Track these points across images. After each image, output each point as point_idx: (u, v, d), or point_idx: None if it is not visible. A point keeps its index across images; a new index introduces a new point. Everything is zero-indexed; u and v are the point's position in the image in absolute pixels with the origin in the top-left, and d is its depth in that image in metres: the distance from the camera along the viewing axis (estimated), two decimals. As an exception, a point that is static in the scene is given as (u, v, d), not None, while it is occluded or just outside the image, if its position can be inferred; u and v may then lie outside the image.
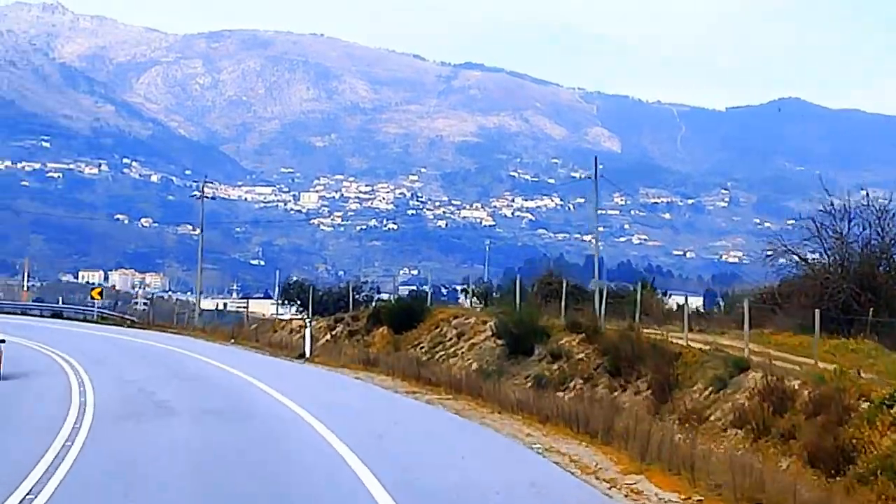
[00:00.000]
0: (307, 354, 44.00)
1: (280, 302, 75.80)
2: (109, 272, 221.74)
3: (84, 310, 61.41)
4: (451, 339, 42.71)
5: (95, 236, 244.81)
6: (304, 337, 46.34)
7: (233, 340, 54.30)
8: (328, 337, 50.87)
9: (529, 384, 32.60)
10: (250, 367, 36.00)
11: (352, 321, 52.22)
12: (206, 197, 71.40)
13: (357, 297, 63.42)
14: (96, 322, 56.07)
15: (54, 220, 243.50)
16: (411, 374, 34.02)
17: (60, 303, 71.57)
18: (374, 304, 59.59)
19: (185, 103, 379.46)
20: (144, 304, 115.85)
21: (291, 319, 58.90)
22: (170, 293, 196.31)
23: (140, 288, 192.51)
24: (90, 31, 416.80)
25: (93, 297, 67.84)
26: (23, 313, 59.14)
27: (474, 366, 37.34)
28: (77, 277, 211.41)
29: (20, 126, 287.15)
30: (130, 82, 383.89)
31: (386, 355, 41.17)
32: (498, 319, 39.48)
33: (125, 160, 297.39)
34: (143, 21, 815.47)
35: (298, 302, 68.91)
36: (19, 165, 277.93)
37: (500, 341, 38.54)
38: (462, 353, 40.25)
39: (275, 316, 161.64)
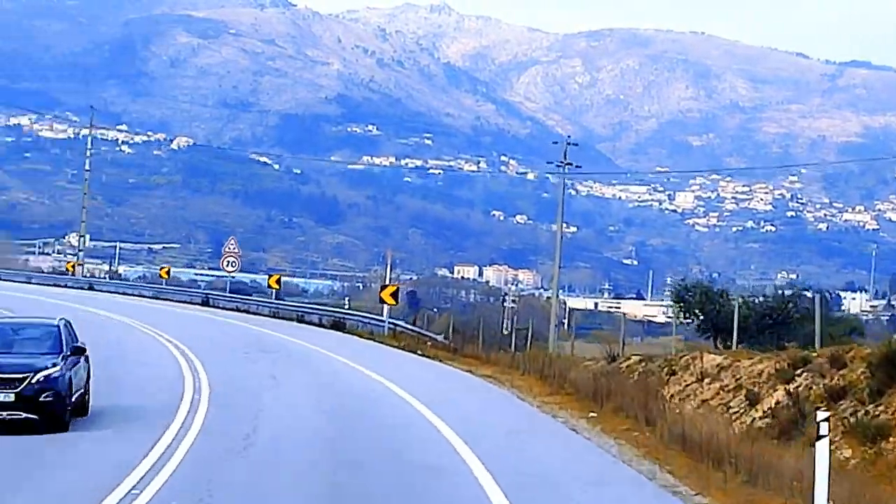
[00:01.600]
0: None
1: (674, 310, 51.95)
2: (483, 268, 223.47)
3: (371, 321, 45.73)
4: None
5: (471, 232, 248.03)
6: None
7: (592, 414, 24.41)
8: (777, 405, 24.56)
9: None
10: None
11: (831, 370, 23.91)
12: (570, 189, 67.19)
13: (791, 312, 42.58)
14: (368, 338, 42.07)
15: (432, 216, 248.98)
16: None
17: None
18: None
19: (563, 102, 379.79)
20: (513, 303, 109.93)
21: (701, 355, 31.72)
22: (540, 290, 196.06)
23: (513, 284, 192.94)
24: (474, 32, 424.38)
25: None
26: (299, 319, 49.60)
27: None
28: (452, 272, 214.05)
29: (405, 124, 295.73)
30: (511, 81, 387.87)
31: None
32: None
33: (503, 158, 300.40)
34: (525, 21, 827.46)
35: (700, 317, 45.91)
36: (403, 162, 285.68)
37: None
38: None
39: (647, 318, 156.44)
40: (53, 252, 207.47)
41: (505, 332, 77.70)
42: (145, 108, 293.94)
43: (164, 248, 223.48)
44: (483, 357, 33.83)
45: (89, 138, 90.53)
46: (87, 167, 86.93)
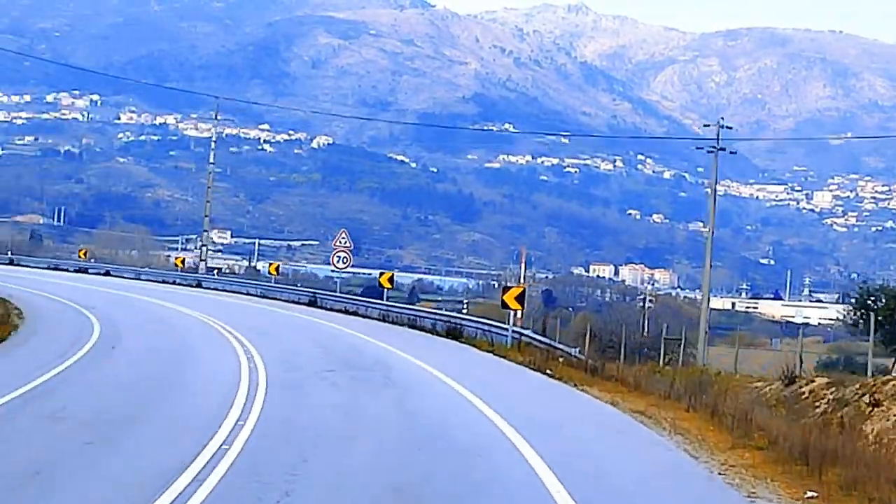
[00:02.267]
0: None
1: (850, 315, 47.93)
2: (619, 266, 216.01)
3: (492, 328, 37.53)
4: None
5: (607, 230, 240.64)
6: None
7: (811, 495, 14.21)
8: None
9: None
10: None
11: None
12: (716, 190, 58.55)
13: None
14: (488, 350, 33.98)
15: (568, 214, 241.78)
16: None
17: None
18: None
19: (700, 101, 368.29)
20: (650, 303, 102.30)
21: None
22: (677, 290, 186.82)
23: (649, 283, 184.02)
24: (611, 31, 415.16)
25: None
26: (410, 325, 42.51)
27: None
28: (588, 271, 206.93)
29: (542, 122, 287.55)
30: (647, 80, 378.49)
31: None
32: None
33: (639, 157, 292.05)
34: (661, 20, 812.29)
35: (887, 326, 38.48)
36: (539, 160, 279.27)
37: None
38: None
39: (784, 319, 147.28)
40: (195, 248, 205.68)
41: (645, 336, 70.35)
42: (287, 107, 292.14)
43: (302, 244, 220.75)
44: (629, 382, 25.56)
45: (213, 136, 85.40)
46: (211, 159, 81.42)
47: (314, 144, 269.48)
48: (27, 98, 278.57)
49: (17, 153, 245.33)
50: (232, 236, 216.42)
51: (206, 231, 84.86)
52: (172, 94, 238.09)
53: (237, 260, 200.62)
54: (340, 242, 53.31)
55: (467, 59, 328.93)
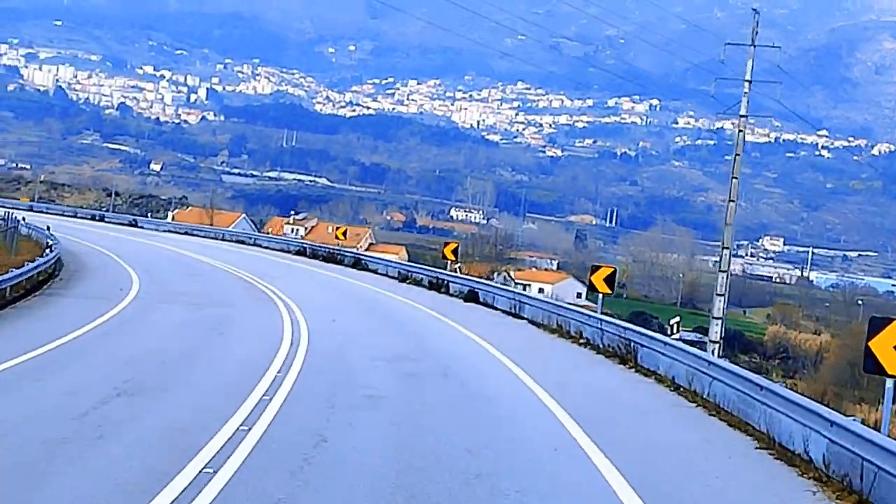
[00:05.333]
0: None
1: None
2: None
3: None
4: None
5: None
6: None
7: None
8: None
9: None
10: None
11: None
12: None
13: None
14: None
15: None
16: None
17: None
18: None
19: None
20: None
21: None
22: None
23: None
24: None
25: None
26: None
27: None
28: None
29: None
30: None
31: None
32: None
33: None
34: None
35: None
36: None
37: None
38: None
39: None
40: (746, 255, 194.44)
41: None
42: (846, 113, 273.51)
43: (859, 255, 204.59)
44: None
45: (738, 139, 73.76)
46: (733, 171, 69.82)
47: (874, 152, 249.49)
48: (589, 102, 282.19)
49: (576, 155, 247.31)
50: (784, 244, 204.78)
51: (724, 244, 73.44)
52: (730, 99, 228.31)
53: (788, 269, 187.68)
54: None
55: None
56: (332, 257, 56.20)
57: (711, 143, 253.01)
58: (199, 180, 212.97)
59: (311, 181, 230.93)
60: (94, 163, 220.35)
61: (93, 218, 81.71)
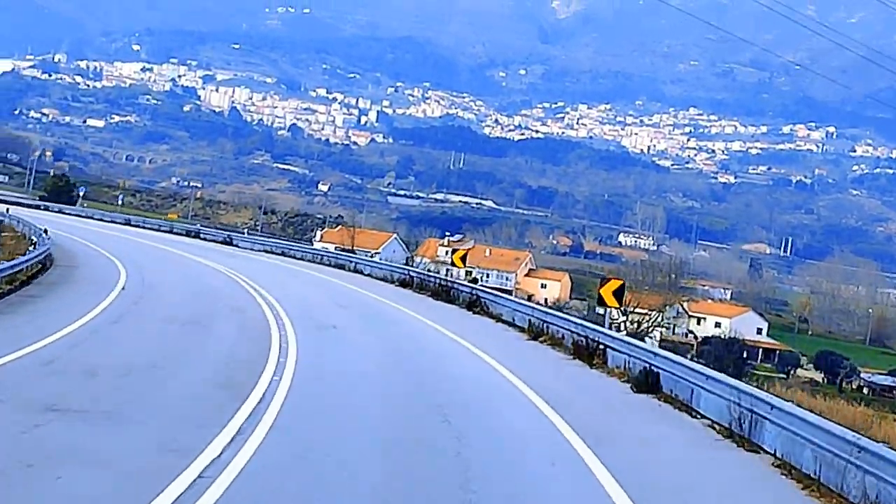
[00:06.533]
0: None
1: None
2: None
3: None
4: None
5: None
6: None
7: None
8: None
9: None
10: None
11: None
12: None
13: None
14: None
15: None
16: None
17: None
18: None
19: None
20: None
21: None
22: None
23: None
24: None
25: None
26: None
27: None
28: None
29: None
30: None
31: None
32: None
33: None
34: None
35: None
36: None
37: None
38: None
39: None
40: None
41: None
42: None
43: None
44: None
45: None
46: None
47: None
48: (763, 129, 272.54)
49: (749, 182, 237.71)
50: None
51: None
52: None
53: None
54: None
55: None
56: (444, 292, 41.73)
57: (890, 171, 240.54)
58: (364, 201, 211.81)
59: (476, 204, 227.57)
60: (263, 182, 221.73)
61: (187, 234, 76.75)
